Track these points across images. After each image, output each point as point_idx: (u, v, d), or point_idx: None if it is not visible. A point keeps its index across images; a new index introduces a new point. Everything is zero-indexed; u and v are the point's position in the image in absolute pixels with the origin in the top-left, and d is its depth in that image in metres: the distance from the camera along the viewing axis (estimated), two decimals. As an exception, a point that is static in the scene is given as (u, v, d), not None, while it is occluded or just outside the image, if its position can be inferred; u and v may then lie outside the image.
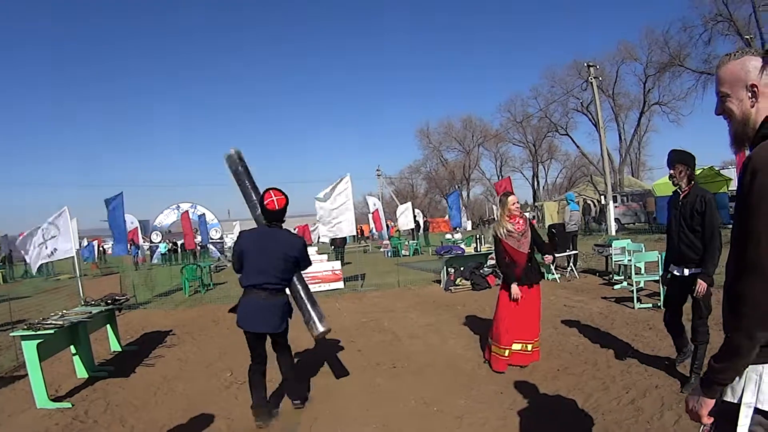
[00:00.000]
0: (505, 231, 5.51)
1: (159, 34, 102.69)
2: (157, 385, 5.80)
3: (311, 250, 12.57)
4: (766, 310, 1.48)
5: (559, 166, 61.17)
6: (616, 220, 25.18)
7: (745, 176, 1.55)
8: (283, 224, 4.69)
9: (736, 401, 1.61)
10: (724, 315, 1.63)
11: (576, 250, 13.13)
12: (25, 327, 5.32)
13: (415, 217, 27.46)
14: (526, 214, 5.70)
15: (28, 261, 10.13)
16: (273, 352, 4.74)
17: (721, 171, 20.84)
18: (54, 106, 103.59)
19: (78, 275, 10.73)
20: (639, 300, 8.06)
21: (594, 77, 25.13)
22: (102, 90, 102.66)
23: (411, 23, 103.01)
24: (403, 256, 23.35)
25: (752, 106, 1.66)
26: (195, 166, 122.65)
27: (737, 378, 1.61)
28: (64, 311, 6.22)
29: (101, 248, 34.50)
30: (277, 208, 4.53)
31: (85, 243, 31.61)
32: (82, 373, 6.21)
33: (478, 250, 12.77)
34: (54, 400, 5.27)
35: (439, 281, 12.59)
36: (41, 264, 10.69)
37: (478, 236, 14.07)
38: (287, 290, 4.73)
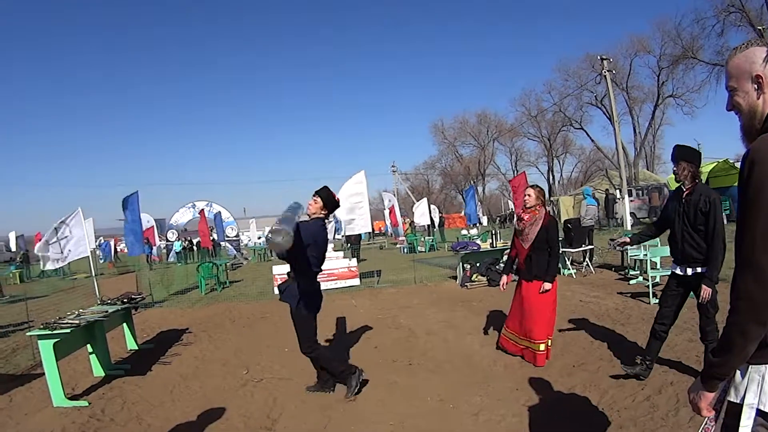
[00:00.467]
0: (516, 221, 5.71)
1: (171, 30, 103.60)
2: (173, 383, 5.80)
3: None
4: (759, 305, 1.48)
5: (574, 161, 60.70)
6: (632, 214, 24.88)
7: (744, 169, 1.55)
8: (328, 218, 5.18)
9: (738, 401, 1.62)
10: None
11: (592, 245, 12.98)
12: (42, 326, 5.32)
13: (430, 213, 27.40)
14: (545, 209, 5.58)
15: (42, 262, 10.13)
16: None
17: (736, 164, 20.42)
18: (67, 106, 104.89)
19: (94, 274, 10.78)
20: (654, 295, 7.87)
21: (607, 70, 24.79)
22: (116, 89, 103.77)
23: (424, 17, 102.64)
24: (419, 252, 23.24)
25: (758, 98, 1.64)
26: (210, 165, 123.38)
27: (740, 378, 1.62)
28: (81, 310, 6.25)
29: (117, 247, 34.74)
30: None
31: (101, 242, 31.90)
32: (98, 371, 6.22)
33: (494, 245, 12.64)
34: (71, 399, 5.28)
35: (455, 277, 12.52)
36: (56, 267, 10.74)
37: (493, 231, 13.97)
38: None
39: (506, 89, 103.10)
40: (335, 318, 8.62)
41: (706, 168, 19.67)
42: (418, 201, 28.27)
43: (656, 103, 42.10)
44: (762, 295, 1.46)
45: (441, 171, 67.66)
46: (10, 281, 22.52)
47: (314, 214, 4.99)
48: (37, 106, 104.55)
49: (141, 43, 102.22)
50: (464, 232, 24.40)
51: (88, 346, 6.14)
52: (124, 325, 7.39)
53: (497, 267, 11.46)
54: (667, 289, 4.69)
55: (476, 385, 5.06)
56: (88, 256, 10.60)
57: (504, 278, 5.87)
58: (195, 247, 32.24)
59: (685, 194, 4.48)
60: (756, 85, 1.62)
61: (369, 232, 27.81)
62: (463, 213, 32.97)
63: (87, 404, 5.19)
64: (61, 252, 9.83)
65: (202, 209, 32.90)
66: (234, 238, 34.81)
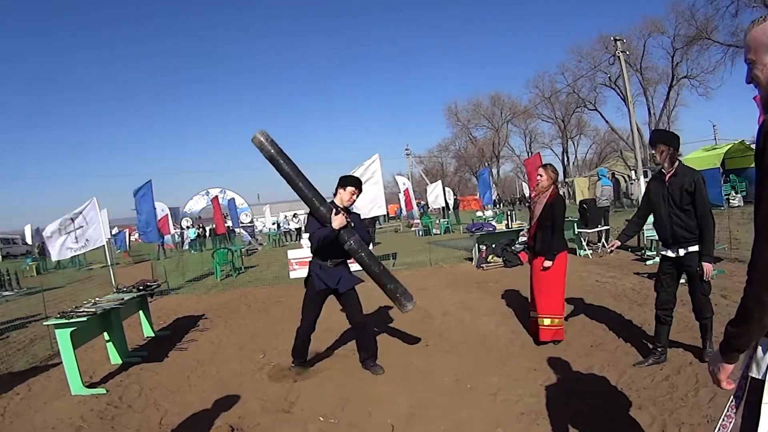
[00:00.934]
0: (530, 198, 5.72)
1: (182, 20, 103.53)
2: (190, 369, 5.80)
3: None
4: None
5: (589, 142, 60.16)
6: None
7: (760, 140, 1.53)
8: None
9: (760, 377, 1.60)
10: None
11: (608, 225, 12.84)
12: (59, 315, 5.33)
13: (445, 195, 27.33)
14: (554, 188, 5.47)
15: (51, 251, 10.16)
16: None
17: (752, 145, 20.02)
18: (80, 101, 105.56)
19: (110, 264, 10.84)
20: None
21: (621, 51, 24.46)
22: (127, 81, 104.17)
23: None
24: (434, 234, 23.14)
25: None
26: (223, 151, 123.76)
27: (762, 354, 1.60)
28: (97, 299, 6.26)
29: (131, 237, 34.99)
30: None
31: (116, 231, 32.16)
32: (115, 359, 6.24)
33: (509, 227, 12.52)
34: (89, 387, 5.29)
35: (470, 259, 12.46)
36: (72, 255, 10.82)
37: (508, 212, 13.85)
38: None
39: (520, 71, 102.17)
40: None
41: (721, 149, 19.35)
42: (432, 184, 28.15)
43: (671, 84, 41.72)
44: None
45: (455, 153, 67.38)
46: (27, 273, 22.75)
47: (348, 201, 5.11)
48: (51, 102, 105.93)
49: (150, 32, 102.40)
50: (479, 213, 24.26)
51: (105, 334, 6.15)
52: (141, 312, 7.41)
53: (513, 248, 11.37)
54: (661, 273, 4.63)
55: (493, 365, 5.02)
56: (104, 245, 10.65)
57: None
58: (208, 234, 32.41)
59: (668, 176, 4.42)
60: None
61: (384, 215, 27.76)
62: (477, 195, 32.86)
63: (105, 392, 5.20)
64: (77, 241, 9.89)
65: (216, 196, 33.04)
66: (248, 224, 34.96)
